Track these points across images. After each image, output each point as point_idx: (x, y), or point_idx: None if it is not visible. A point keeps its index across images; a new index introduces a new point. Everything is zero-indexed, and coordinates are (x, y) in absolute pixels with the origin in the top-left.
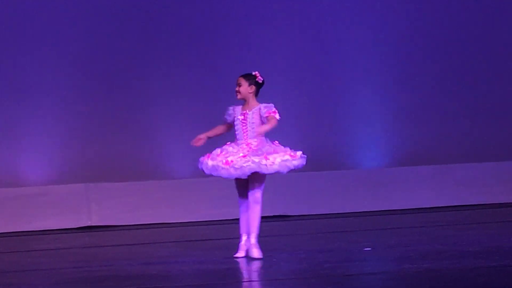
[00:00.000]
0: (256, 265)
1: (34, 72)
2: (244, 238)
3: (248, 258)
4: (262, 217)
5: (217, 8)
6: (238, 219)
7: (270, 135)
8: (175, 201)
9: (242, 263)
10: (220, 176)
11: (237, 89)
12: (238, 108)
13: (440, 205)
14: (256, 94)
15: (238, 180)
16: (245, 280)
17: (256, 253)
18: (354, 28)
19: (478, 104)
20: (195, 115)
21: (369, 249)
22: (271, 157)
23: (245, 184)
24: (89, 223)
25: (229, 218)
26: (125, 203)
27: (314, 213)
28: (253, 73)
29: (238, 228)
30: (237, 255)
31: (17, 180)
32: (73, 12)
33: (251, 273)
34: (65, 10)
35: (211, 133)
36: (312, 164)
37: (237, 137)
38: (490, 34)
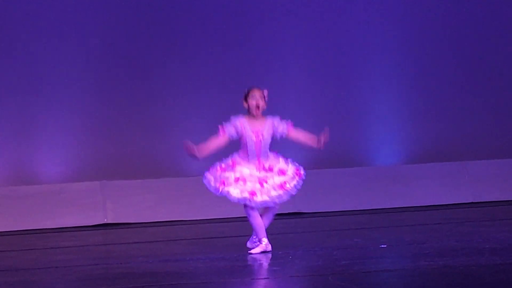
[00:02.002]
0: (272, 262)
1: (50, 70)
2: (265, 241)
3: (264, 253)
4: (278, 214)
5: (230, 5)
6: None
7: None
8: (191, 198)
9: (258, 261)
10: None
11: (259, 102)
12: (244, 122)
13: (455, 202)
14: None
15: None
16: (261, 278)
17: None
18: (370, 26)
19: (493, 101)
20: (211, 112)
21: (385, 246)
22: (287, 182)
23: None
24: (105, 221)
25: (245, 215)
26: (141, 200)
27: (330, 210)
28: (263, 90)
29: (256, 233)
30: (256, 251)
31: (33, 178)
32: (88, 9)
33: (267, 270)
34: (80, 7)
35: (203, 147)
36: (328, 161)
37: (247, 153)
38: (506, 30)
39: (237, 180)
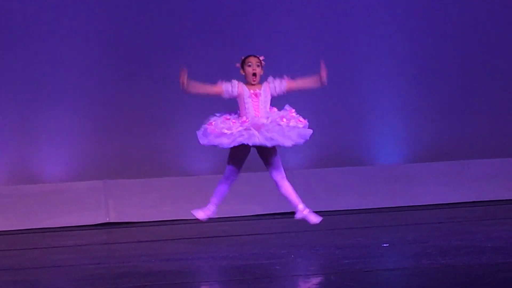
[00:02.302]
0: (274, 261)
1: (53, 69)
2: (300, 206)
3: (267, 253)
4: (281, 214)
5: (231, 4)
6: (257, 215)
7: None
8: (194, 197)
9: (261, 260)
10: (240, 142)
11: (255, 69)
12: (242, 86)
13: (458, 201)
14: None
15: (238, 158)
16: (263, 277)
17: (316, 218)
18: (371, 26)
19: (495, 100)
20: (213, 111)
21: (387, 245)
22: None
23: (240, 164)
24: (107, 220)
25: (248, 215)
26: (143, 199)
27: (332, 209)
28: (260, 57)
29: (214, 195)
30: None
31: (36, 177)
32: (90, 9)
33: (269, 269)
34: (82, 7)
35: (195, 87)
36: (330, 160)
37: (247, 115)
38: (508, 30)
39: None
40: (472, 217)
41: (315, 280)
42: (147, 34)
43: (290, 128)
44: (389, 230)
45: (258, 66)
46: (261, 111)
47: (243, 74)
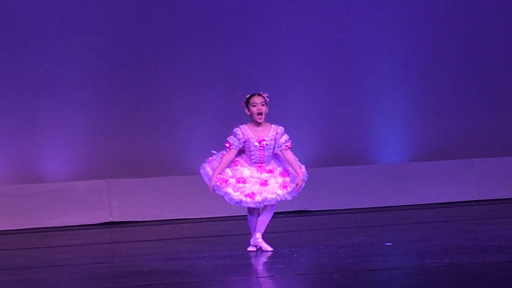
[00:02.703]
0: (277, 260)
1: (55, 69)
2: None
3: (269, 252)
4: (283, 212)
5: (234, 4)
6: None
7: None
8: (196, 197)
9: (264, 258)
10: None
11: (261, 108)
12: (246, 130)
13: (461, 200)
14: None
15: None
16: (266, 276)
17: (267, 247)
18: (374, 25)
19: (499, 98)
20: (215, 111)
21: (390, 244)
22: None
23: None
24: (110, 219)
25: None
26: (146, 199)
27: (335, 208)
28: (264, 94)
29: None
30: (250, 249)
31: (38, 176)
32: (93, 9)
33: (272, 268)
34: (85, 6)
35: (220, 169)
36: (333, 159)
37: (251, 159)
38: (510, 29)
39: (238, 181)
40: (476, 216)
41: (318, 279)
42: (148, 34)
43: (288, 192)
44: (392, 229)
45: (263, 105)
46: (266, 157)
47: (248, 113)
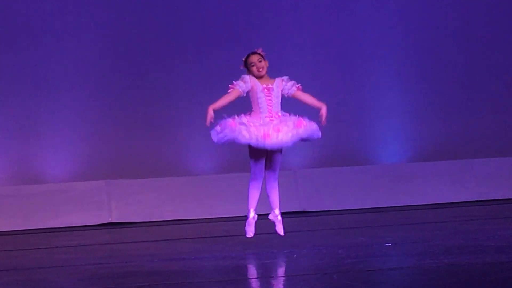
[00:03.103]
0: (277, 260)
1: (55, 69)
2: (276, 211)
3: (269, 252)
4: (283, 213)
5: (233, 3)
6: (259, 215)
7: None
8: (196, 197)
9: (264, 259)
10: (257, 145)
11: (262, 65)
12: (254, 80)
13: (461, 200)
14: None
15: (259, 153)
16: (266, 276)
17: (282, 230)
18: (374, 25)
19: (499, 99)
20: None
21: (390, 244)
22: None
23: (263, 158)
24: (109, 220)
25: None
26: (146, 199)
27: (335, 209)
28: (258, 51)
29: (250, 203)
30: (247, 233)
31: (38, 177)
32: (92, 10)
33: (272, 268)
34: (84, 7)
35: (218, 105)
36: (333, 159)
37: (259, 110)
38: (511, 30)
39: (249, 125)
40: (475, 216)
41: (318, 279)
42: (147, 36)
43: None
44: (392, 229)
45: (260, 61)
46: (273, 106)
47: (251, 74)
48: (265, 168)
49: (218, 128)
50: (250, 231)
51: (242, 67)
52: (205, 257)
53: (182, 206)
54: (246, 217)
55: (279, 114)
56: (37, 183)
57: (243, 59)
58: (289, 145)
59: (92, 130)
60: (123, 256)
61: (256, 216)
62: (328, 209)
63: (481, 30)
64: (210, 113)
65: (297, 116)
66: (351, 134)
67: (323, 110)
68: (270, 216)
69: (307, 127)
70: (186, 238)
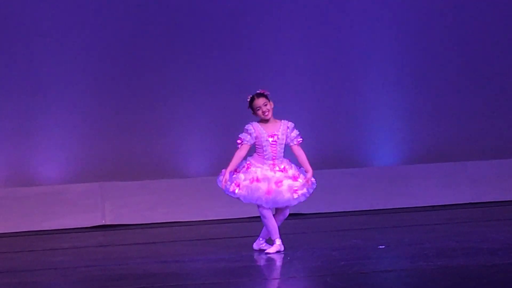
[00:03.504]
0: (271, 262)
1: (49, 72)
2: (279, 242)
3: (263, 254)
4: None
5: (229, 5)
6: (253, 217)
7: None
8: (189, 199)
9: (257, 261)
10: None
11: (265, 109)
12: (258, 127)
13: (454, 202)
14: None
15: None
16: (260, 279)
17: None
18: (369, 27)
19: (492, 101)
20: (209, 114)
21: (383, 246)
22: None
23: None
24: (103, 222)
25: (244, 217)
26: (140, 202)
27: (329, 211)
28: (263, 92)
29: (270, 234)
30: (271, 250)
31: (32, 179)
32: (88, 10)
33: (266, 271)
34: (80, 8)
35: (233, 166)
36: (327, 161)
37: (264, 155)
38: (506, 32)
39: (252, 180)
40: (469, 219)
41: (312, 281)
42: (143, 38)
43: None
44: (385, 232)
45: (266, 105)
46: (278, 153)
47: (256, 115)
48: (276, 213)
49: (226, 182)
50: (272, 251)
51: (249, 108)
52: (199, 259)
53: (176, 208)
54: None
55: (283, 161)
56: (30, 185)
57: (248, 99)
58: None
59: (86, 132)
60: (117, 258)
61: (283, 247)
62: (322, 212)
63: (474, 32)
64: (226, 177)
65: (298, 170)
66: (345, 136)
67: (309, 175)
68: (280, 248)
69: (298, 196)
70: (180, 241)
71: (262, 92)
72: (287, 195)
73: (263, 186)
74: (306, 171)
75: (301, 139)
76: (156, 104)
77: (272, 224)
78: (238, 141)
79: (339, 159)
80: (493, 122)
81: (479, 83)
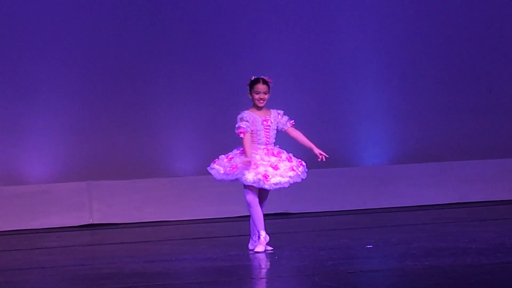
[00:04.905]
0: (259, 262)
1: (37, 70)
2: (264, 234)
3: (251, 254)
4: (264, 215)
5: (221, 8)
6: (241, 216)
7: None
8: (178, 198)
9: (245, 261)
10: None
11: (263, 97)
12: (251, 113)
13: (442, 202)
14: None
15: (255, 188)
16: (247, 278)
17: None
18: (358, 27)
19: (481, 101)
20: (197, 113)
21: (371, 246)
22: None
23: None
24: (91, 221)
25: (232, 216)
26: (127, 201)
27: (316, 211)
28: (269, 80)
29: (254, 226)
30: (259, 249)
31: (19, 178)
32: (77, 10)
33: (254, 270)
34: (69, 9)
35: (250, 152)
36: (315, 161)
37: (258, 141)
38: (494, 32)
39: (249, 163)
40: (456, 218)
41: (299, 281)
42: (131, 37)
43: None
44: (373, 232)
45: (266, 94)
46: (271, 138)
47: (250, 97)
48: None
49: (218, 168)
50: (261, 250)
51: (247, 86)
52: (186, 258)
53: (164, 208)
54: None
55: (275, 147)
56: (17, 184)
57: (252, 78)
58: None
59: (73, 131)
60: (104, 257)
61: (268, 237)
62: (309, 211)
63: (462, 32)
64: (250, 155)
65: (289, 154)
66: (333, 136)
67: (316, 150)
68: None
69: (300, 172)
70: (168, 240)
71: (268, 80)
72: (290, 173)
73: (261, 169)
74: (310, 148)
75: (293, 121)
76: (144, 103)
77: (258, 213)
78: (240, 131)
79: (327, 158)
80: (480, 122)
81: (466, 84)
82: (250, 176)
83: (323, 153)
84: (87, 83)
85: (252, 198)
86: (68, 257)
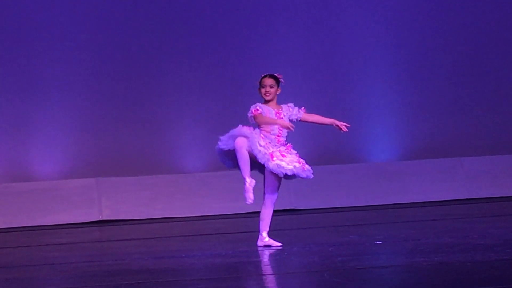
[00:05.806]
0: (267, 258)
1: (47, 68)
2: (249, 180)
3: (260, 250)
4: (274, 211)
5: (230, 6)
6: (249, 213)
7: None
8: (186, 195)
9: (254, 257)
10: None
11: (268, 90)
12: (265, 106)
13: (451, 198)
14: None
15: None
16: (256, 274)
17: (276, 243)
18: (365, 23)
19: (489, 97)
20: (205, 110)
21: (380, 242)
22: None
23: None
24: (100, 218)
25: (240, 212)
26: (136, 197)
27: (325, 207)
28: (278, 76)
29: (244, 172)
30: (249, 201)
31: (29, 175)
32: (85, 9)
33: (262, 266)
34: (78, 6)
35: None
36: (323, 157)
37: (270, 132)
38: (502, 29)
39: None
40: (466, 214)
41: (308, 277)
42: (139, 34)
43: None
44: (382, 228)
45: (271, 87)
46: (283, 131)
47: (260, 94)
48: (267, 192)
49: (225, 138)
50: (249, 198)
51: (258, 83)
52: (195, 255)
53: (172, 204)
54: (236, 215)
55: (287, 145)
56: (27, 181)
57: (262, 75)
58: (286, 174)
59: (83, 128)
60: (113, 254)
61: (254, 181)
62: (318, 207)
63: (470, 29)
64: (288, 122)
65: (298, 155)
66: (341, 132)
67: (337, 122)
68: (260, 243)
69: (307, 169)
70: (176, 236)
71: (275, 75)
72: (296, 164)
73: (270, 149)
74: (332, 123)
75: (303, 107)
76: (153, 100)
77: (244, 157)
78: (257, 109)
79: (336, 155)
80: (489, 118)
81: (475, 79)
82: (260, 144)
83: (345, 123)
84: (96, 81)
85: (241, 143)
86: (77, 254)
